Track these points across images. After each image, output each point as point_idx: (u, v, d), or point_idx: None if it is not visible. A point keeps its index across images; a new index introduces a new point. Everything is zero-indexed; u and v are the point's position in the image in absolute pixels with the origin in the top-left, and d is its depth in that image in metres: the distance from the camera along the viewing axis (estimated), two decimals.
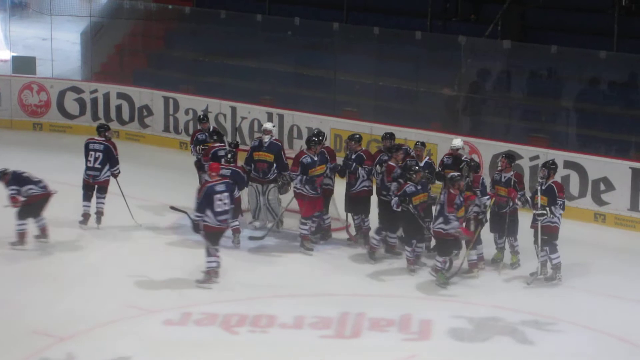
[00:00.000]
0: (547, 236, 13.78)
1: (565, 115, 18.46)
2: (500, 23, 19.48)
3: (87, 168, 15.68)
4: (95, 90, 21.61)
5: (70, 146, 20.48)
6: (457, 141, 15.12)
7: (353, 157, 15.04)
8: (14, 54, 23.27)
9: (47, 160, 19.52)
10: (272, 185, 15.66)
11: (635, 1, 19.18)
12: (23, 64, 22.46)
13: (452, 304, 13.32)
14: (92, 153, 15.66)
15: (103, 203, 15.71)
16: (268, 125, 15.98)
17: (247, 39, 21.38)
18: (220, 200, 13.48)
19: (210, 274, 13.62)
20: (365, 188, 15.07)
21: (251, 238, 15.41)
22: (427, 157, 15.18)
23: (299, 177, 14.81)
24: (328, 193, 15.35)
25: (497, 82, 19.24)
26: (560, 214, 13.81)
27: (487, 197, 14.16)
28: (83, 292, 13.39)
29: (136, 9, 23.12)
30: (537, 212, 13.71)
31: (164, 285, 13.68)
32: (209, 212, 13.42)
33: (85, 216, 15.72)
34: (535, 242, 13.94)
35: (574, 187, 16.72)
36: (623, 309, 13.32)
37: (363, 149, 15.35)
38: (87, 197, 15.77)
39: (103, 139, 15.82)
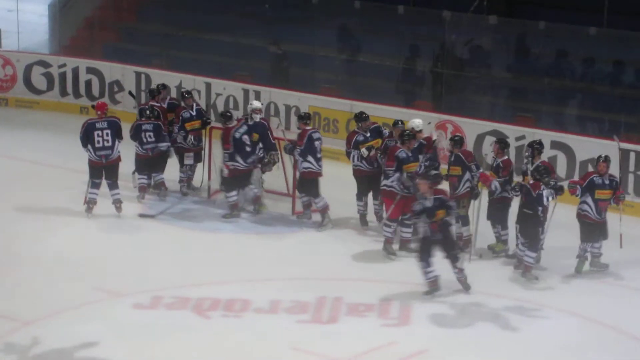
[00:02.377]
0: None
1: (553, 94, 18.30)
2: None
3: None
4: (64, 65, 21.23)
5: (37, 123, 20.34)
6: (416, 122, 14.44)
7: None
8: None
9: (13, 137, 19.23)
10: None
11: None
12: None
13: None
14: None
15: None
16: (257, 104, 15.57)
17: (222, 12, 21.14)
18: (100, 136, 14.76)
19: (89, 204, 14.98)
20: (305, 170, 14.81)
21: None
22: None
23: (396, 175, 13.95)
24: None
25: (482, 59, 19.04)
26: None
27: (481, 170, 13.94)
28: (49, 275, 13.13)
29: None
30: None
31: (134, 267, 13.46)
32: (89, 147, 14.78)
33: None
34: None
35: (562, 168, 16.45)
36: (613, 295, 13.17)
37: (308, 128, 14.95)
38: None
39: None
